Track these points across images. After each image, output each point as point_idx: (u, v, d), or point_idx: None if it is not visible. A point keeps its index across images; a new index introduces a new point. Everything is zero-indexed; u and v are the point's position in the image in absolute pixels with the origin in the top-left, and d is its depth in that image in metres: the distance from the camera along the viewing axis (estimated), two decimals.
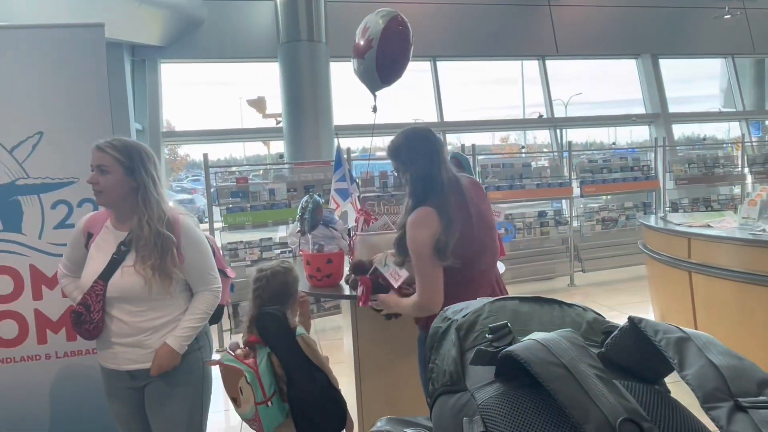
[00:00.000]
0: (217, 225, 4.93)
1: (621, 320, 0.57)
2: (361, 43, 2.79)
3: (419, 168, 1.85)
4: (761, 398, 0.42)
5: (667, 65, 8.44)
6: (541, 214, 6.39)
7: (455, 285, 1.83)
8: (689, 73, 9.24)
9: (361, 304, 2.08)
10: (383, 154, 8.02)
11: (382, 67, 2.72)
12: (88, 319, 1.80)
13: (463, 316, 0.67)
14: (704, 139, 8.54)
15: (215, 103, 7.76)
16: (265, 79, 7.09)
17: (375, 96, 2.90)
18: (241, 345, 2.07)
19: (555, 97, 8.09)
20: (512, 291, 1.57)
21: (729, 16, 7.99)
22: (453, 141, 7.86)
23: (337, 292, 2.57)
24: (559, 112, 8.25)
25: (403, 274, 1.92)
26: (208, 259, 1.94)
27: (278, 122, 6.89)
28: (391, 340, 2.12)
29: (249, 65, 7.32)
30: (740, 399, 0.42)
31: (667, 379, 0.57)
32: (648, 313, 4.24)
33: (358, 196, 2.77)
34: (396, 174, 2.01)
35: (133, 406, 1.91)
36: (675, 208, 6.75)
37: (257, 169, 6.96)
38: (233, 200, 4.93)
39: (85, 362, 2.44)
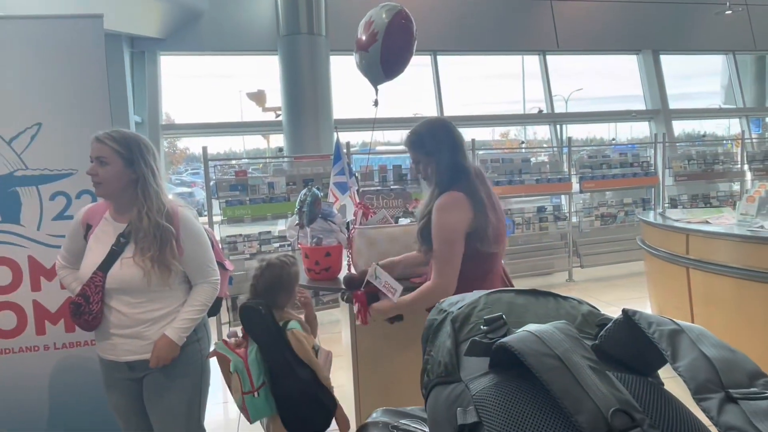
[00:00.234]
0: (216, 218, 4.93)
1: (617, 315, 0.57)
2: (364, 38, 2.78)
3: (445, 156, 1.89)
4: (752, 389, 0.42)
5: (668, 61, 8.41)
6: (540, 210, 6.39)
7: (477, 272, 1.88)
8: (690, 69, 9.22)
9: (360, 322, 2.06)
10: (383, 148, 8.03)
11: (386, 60, 2.71)
12: (87, 310, 1.81)
13: (459, 308, 0.68)
14: (704, 135, 8.53)
15: (215, 96, 7.75)
16: (265, 72, 7.08)
17: (377, 90, 2.89)
18: (239, 334, 2.09)
19: (555, 93, 8.07)
20: None
21: (730, 12, 7.96)
22: None
23: (335, 286, 2.57)
24: (559, 108, 8.24)
25: (398, 287, 1.92)
26: (207, 251, 1.94)
27: (278, 116, 6.87)
28: (389, 334, 2.13)
29: (249, 58, 7.29)
30: (731, 390, 0.42)
31: (662, 374, 0.57)
32: (645, 308, 4.24)
33: (357, 190, 2.76)
34: (416, 165, 2.01)
35: (132, 398, 1.92)
36: (674, 204, 6.76)
37: (257, 163, 6.95)
38: (232, 193, 4.94)
39: (84, 353, 2.45)
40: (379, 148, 8.01)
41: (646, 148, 7.22)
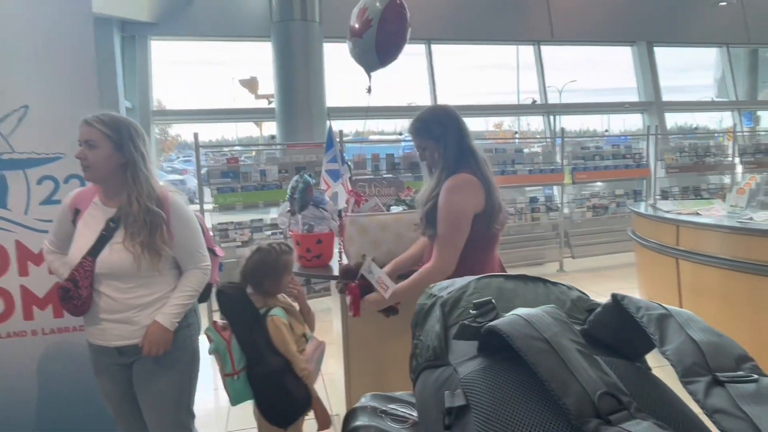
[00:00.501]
0: (208, 206, 4.90)
1: (606, 300, 0.57)
2: (357, 25, 2.77)
3: (452, 140, 1.92)
4: (739, 373, 0.42)
5: (661, 54, 8.42)
6: (533, 200, 6.41)
7: (478, 254, 1.91)
8: (684, 62, 9.23)
9: (352, 314, 2.06)
10: (376, 138, 7.99)
11: (381, 46, 2.71)
12: (76, 295, 1.79)
13: (449, 293, 0.68)
14: (696, 128, 8.57)
15: (206, 83, 7.65)
16: (258, 59, 7.00)
17: (370, 77, 2.88)
18: None
19: (549, 84, 8.06)
20: None
21: (725, 3, 7.96)
22: None
23: (326, 273, 2.57)
24: (553, 99, 8.23)
25: (390, 284, 1.93)
26: (198, 236, 1.93)
27: (270, 103, 6.81)
28: (379, 321, 2.13)
29: (241, 44, 7.20)
30: (718, 374, 0.42)
31: (651, 364, 0.57)
32: None
33: (350, 178, 2.75)
34: (422, 151, 2.02)
35: (121, 383, 1.91)
36: (665, 196, 6.81)
37: (249, 150, 6.90)
38: (224, 181, 4.90)
39: (73, 339, 2.43)
40: (372, 137, 7.98)
41: (638, 140, 7.25)
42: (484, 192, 1.89)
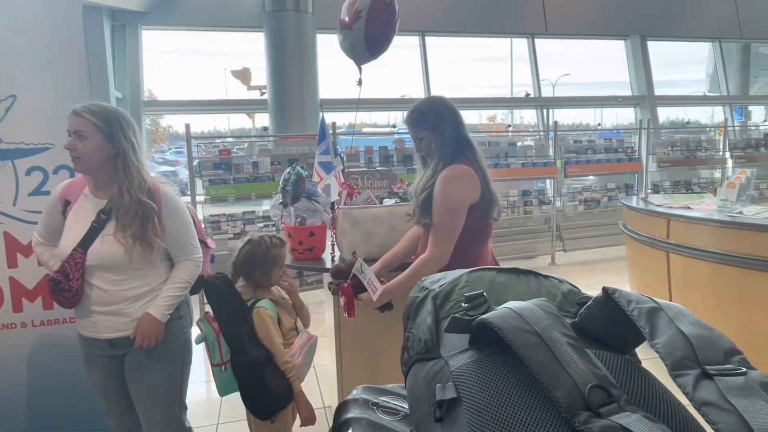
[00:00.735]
0: (200, 198, 4.87)
1: (598, 294, 0.57)
2: (347, 18, 2.77)
3: (449, 131, 1.93)
4: (727, 366, 0.43)
5: (654, 48, 8.44)
6: (525, 193, 6.43)
7: (472, 245, 1.93)
8: (676, 56, 9.26)
9: (347, 315, 2.06)
10: (369, 130, 7.97)
11: (370, 37, 2.69)
12: (67, 287, 1.78)
13: (440, 286, 0.68)
14: (688, 122, 8.61)
15: (198, 74, 7.59)
16: (250, 49, 6.94)
17: (360, 69, 2.87)
18: None
19: (543, 77, 8.06)
20: None
21: None
22: None
23: (319, 266, 2.57)
24: (546, 92, 8.24)
25: (379, 286, 1.94)
26: (190, 228, 1.92)
27: (263, 94, 6.77)
28: (371, 314, 2.13)
29: (233, 35, 7.13)
30: (707, 367, 0.42)
31: (639, 357, 0.58)
32: None
33: (343, 170, 2.74)
34: (418, 142, 2.02)
35: (113, 375, 1.91)
36: (656, 190, 6.85)
37: (241, 142, 6.86)
38: (216, 172, 4.88)
39: (63, 331, 2.42)
40: (365, 129, 7.96)
41: (630, 133, 7.28)
42: (480, 183, 1.90)
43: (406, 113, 2.05)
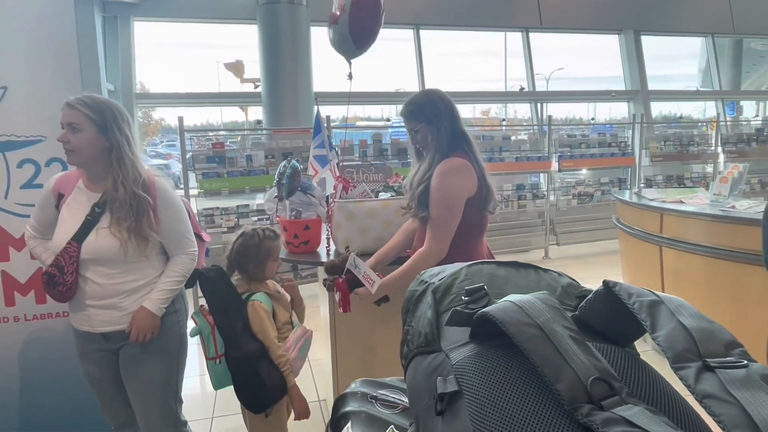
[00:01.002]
0: (193, 192, 4.84)
1: (597, 287, 0.57)
2: (337, 12, 2.78)
3: (445, 123, 1.93)
4: (729, 359, 0.43)
5: (648, 43, 8.46)
6: (519, 188, 6.45)
7: (468, 238, 1.93)
8: (670, 51, 9.28)
9: (342, 311, 2.06)
10: (363, 123, 7.94)
11: (354, 30, 2.70)
12: (61, 281, 1.76)
13: (440, 279, 0.67)
14: (680, 117, 8.66)
15: (191, 66, 7.52)
16: (243, 42, 6.89)
17: (350, 63, 2.88)
18: None
19: (537, 72, 8.07)
20: None
21: None
22: None
23: (314, 259, 2.56)
24: (540, 87, 8.24)
25: (375, 279, 1.93)
26: (185, 221, 1.91)
27: (256, 87, 6.73)
28: (366, 307, 2.13)
29: (226, 27, 7.08)
30: (709, 359, 0.42)
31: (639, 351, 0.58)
32: None
33: (338, 164, 2.74)
34: (414, 134, 2.01)
35: (107, 369, 1.90)
36: (649, 184, 6.89)
37: (234, 135, 6.81)
38: (209, 166, 4.85)
39: (56, 325, 2.40)
40: (359, 123, 7.93)
41: (624, 128, 7.30)
42: (477, 176, 1.90)
43: (401, 106, 2.04)
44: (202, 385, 3.40)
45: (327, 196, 2.53)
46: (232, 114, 8.69)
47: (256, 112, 7.02)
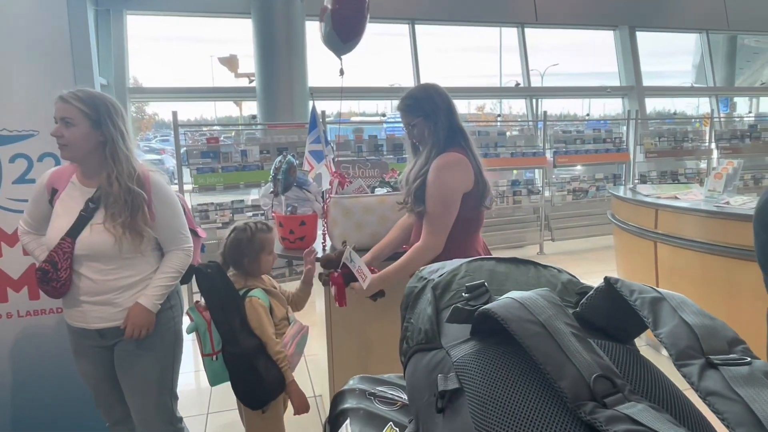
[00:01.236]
0: (187, 187, 4.82)
1: (598, 283, 0.57)
2: (328, 6, 2.78)
3: (442, 118, 1.92)
4: (732, 356, 0.43)
5: (642, 39, 8.47)
6: (514, 183, 6.46)
7: (464, 234, 1.93)
8: (664, 48, 9.30)
9: (338, 305, 2.05)
10: (357, 119, 7.92)
11: (337, 25, 2.70)
12: (55, 277, 1.75)
13: (440, 276, 0.67)
14: (675, 113, 8.69)
15: (185, 60, 7.48)
16: (238, 36, 6.84)
17: (341, 59, 2.88)
18: None
19: (532, 67, 8.06)
20: None
21: None
22: None
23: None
24: (535, 82, 8.24)
25: (368, 274, 1.92)
26: (180, 217, 1.90)
27: (251, 81, 6.69)
28: (362, 303, 2.13)
29: (221, 21, 7.03)
30: (712, 357, 0.42)
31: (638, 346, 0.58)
32: None
33: (333, 159, 2.73)
34: (410, 129, 2.00)
35: (102, 365, 1.89)
36: (644, 180, 6.91)
37: (229, 130, 6.78)
38: (204, 161, 4.82)
39: (50, 322, 2.39)
40: (353, 118, 7.91)
41: (618, 124, 7.32)
42: (474, 171, 1.89)
43: (398, 101, 2.03)
44: (198, 381, 3.40)
45: (323, 192, 2.52)
46: (226, 109, 8.66)
47: (251, 107, 6.99)
